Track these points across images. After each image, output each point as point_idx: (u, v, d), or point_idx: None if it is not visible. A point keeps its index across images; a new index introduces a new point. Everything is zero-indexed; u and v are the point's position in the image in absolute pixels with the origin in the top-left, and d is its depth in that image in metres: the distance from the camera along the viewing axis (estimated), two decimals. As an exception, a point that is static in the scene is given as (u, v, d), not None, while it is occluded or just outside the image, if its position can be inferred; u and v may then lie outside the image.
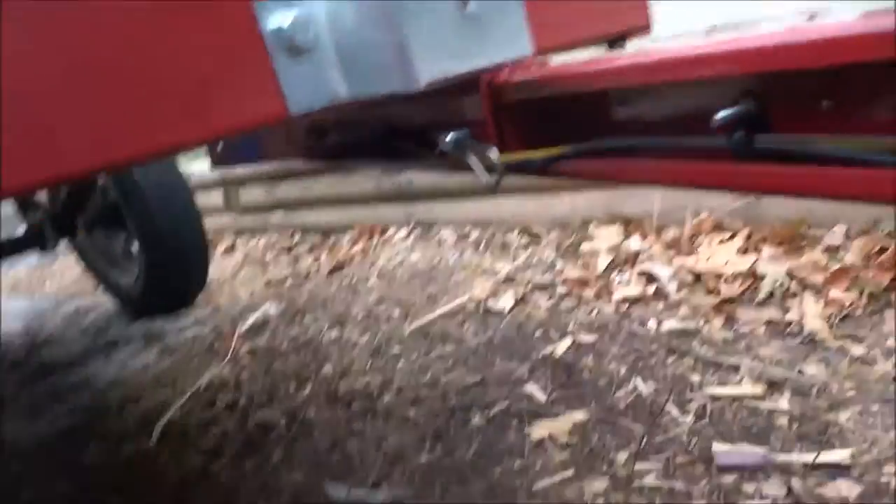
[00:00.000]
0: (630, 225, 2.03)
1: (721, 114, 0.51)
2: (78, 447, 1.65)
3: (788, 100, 0.50)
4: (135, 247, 2.58)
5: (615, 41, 1.02)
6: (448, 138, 0.74)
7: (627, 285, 1.74)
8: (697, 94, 0.58)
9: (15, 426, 1.92)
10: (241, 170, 3.55)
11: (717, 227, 1.84)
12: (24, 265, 4.68)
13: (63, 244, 2.78)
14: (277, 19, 0.52)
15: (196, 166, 3.67)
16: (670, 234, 1.91)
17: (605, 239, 2.01)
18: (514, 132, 0.72)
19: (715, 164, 0.52)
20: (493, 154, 0.68)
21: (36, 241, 2.65)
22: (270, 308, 2.32)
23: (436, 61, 0.53)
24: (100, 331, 2.71)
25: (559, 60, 0.77)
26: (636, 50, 0.71)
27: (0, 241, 2.71)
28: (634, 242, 1.92)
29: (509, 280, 2.00)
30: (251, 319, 2.25)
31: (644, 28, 1.02)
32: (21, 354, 2.66)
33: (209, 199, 3.84)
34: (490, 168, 0.70)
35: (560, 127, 0.73)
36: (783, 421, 1.15)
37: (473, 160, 0.72)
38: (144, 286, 2.56)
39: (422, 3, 0.52)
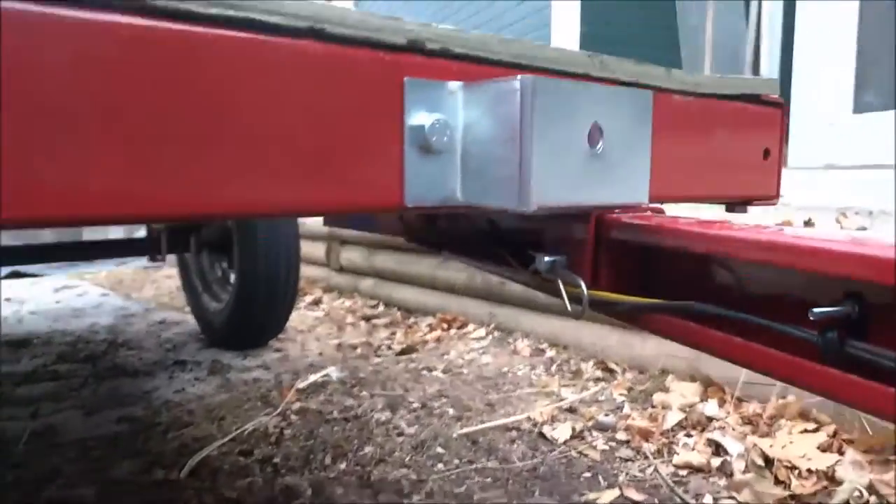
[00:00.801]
0: (710, 387, 1.95)
1: (819, 309, 0.51)
2: (114, 458, 1.69)
3: (890, 312, 0.49)
4: (232, 278, 2.72)
5: (737, 205, 1.03)
6: (545, 260, 0.75)
7: (691, 451, 1.66)
8: (801, 282, 0.58)
9: (68, 418, 2.01)
10: (348, 231, 3.71)
11: (803, 414, 1.74)
12: (133, 266, 4.99)
13: (171, 257, 2.96)
14: (420, 118, 0.57)
15: (312, 218, 3.85)
16: (750, 408, 1.82)
17: (680, 395, 1.93)
18: (609, 270, 0.73)
19: (800, 359, 0.51)
20: (582, 288, 0.69)
21: (150, 247, 2.85)
22: (333, 372, 2.35)
23: (552, 190, 0.56)
24: (175, 348, 2.83)
25: (674, 211, 0.78)
26: (747, 222, 0.72)
27: (120, 240, 2.94)
28: (710, 407, 1.84)
29: (571, 410, 1.95)
30: (312, 378, 2.28)
31: (771, 198, 1.03)
32: (99, 350, 2.81)
33: (312, 250, 4.01)
34: (577, 299, 0.71)
35: (656, 278, 0.73)
36: None
37: (562, 288, 0.73)
38: (229, 317, 2.68)
39: (553, 135, 0.56)
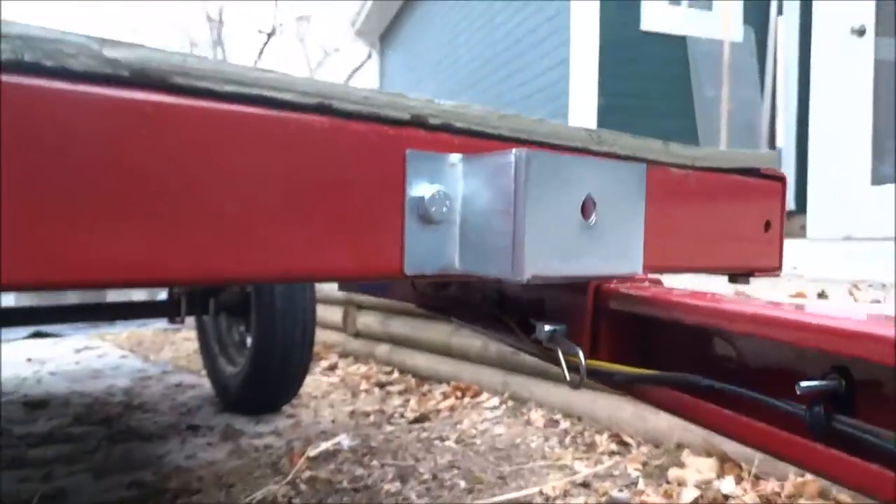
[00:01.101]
0: (727, 463, 1.90)
1: (805, 383, 0.51)
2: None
3: (876, 388, 0.50)
4: (249, 342, 2.75)
5: (739, 276, 1.04)
6: (545, 328, 0.77)
7: (708, 528, 1.61)
8: (790, 355, 0.59)
9: (79, 481, 2.01)
10: (364, 296, 3.73)
11: (822, 494, 1.69)
12: (153, 327, 5.06)
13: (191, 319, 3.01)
14: (421, 189, 0.59)
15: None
16: (769, 486, 1.77)
17: (696, 471, 1.88)
18: (608, 340, 0.74)
19: (787, 433, 0.51)
20: (580, 357, 0.70)
21: (170, 309, 2.90)
22: (345, 440, 2.33)
23: (546, 261, 0.58)
24: (189, 411, 2.83)
25: (673, 282, 0.79)
26: (741, 294, 0.73)
27: (140, 302, 3.00)
28: (727, 484, 1.79)
29: (585, 485, 1.91)
30: (323, 446, 2.27)
31: (773, 269, 1.04)
32: (115, 412, 2.82)
33: (329, 315, 4.04)
34: (577, 369, 0.72)
35: (654, 348, 0.74)
36: None
37: (561, 357, 0.74)
38: (244, 381, 2.69)
39: (547, 207, 0.58)
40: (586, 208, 0.61)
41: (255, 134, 0.51)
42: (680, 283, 0.81)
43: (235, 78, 0.49)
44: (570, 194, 0.60)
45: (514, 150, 0.56)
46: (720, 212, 0.89)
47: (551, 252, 0.58)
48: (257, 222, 0.52)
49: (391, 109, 0.57)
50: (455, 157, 0.61)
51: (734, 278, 1.01)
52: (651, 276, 0.77)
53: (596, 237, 0.61)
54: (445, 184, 0.60)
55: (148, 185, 0.46)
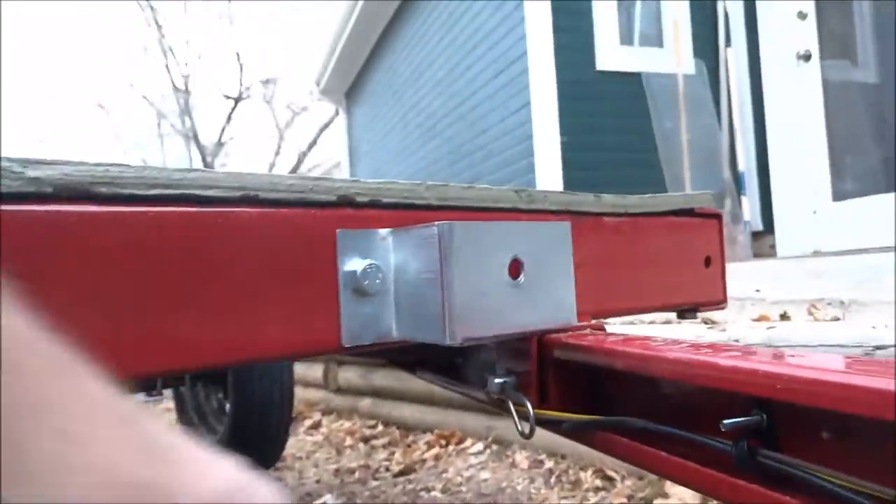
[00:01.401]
0: (710, 492, 1.91)
1: (728, 421, 0.54)
2: None
3: (794, 421, 0.52)
4: (227, 407, 2.72)
5: (686, 312, 1.08)
6: (495, 381, 0.79)
7: (695, 560, 1.61)
8: (714, 395, 0.61)
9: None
10: (344, 351, 3.72)
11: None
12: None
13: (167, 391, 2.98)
14: (353, 264, 0.62)
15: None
16: (752, 512, 1.78)
17: (679, 500, 1.89)
18: (556, 389, 0.76)
19: (715, 470, 0.54)
20: (528, 408, 0.72)
21: (146, 383, 2.87)
22: (330, 499, 2.31)
23: (476, 323, 0.61)
24: (171, 484, 2.78)
25: (619, 327, 0.82)
26: (712, 323, 0.76)
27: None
28: (711, 512, 1.80)
29: (572, 524, 1.90)
30: (308, 507, 2.25)
31: (718, 303, 1.07)
32: None
33: (310, 372, 4.01)
34: (525, 418, 0.74)
35: (600, 395, 0.76)
36: None
37: (512, 409, 0.76)
38: (224, 448, 2.66)
39: (474, 272, 0.61)
40: (514, 269, 0.64)
41: (185, 231, 0.54)
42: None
43: (160, 182, 0.51)
44: (497, 257, 0.63)
45: (436, 223, 0.59)
46: (658, 254, 0.93)
47: (482, 314, 0.61)
48: (194, 315, 0.54)
49: (317, 193, 0.60)
50: (384, 232, 0.64)
51: (682, 315, 1.04)
52: (594, 321, 0.80)
53: (526, 295, 0.64)
54: (377, 257, 0.63)
55: (80, 290, 0.48)
